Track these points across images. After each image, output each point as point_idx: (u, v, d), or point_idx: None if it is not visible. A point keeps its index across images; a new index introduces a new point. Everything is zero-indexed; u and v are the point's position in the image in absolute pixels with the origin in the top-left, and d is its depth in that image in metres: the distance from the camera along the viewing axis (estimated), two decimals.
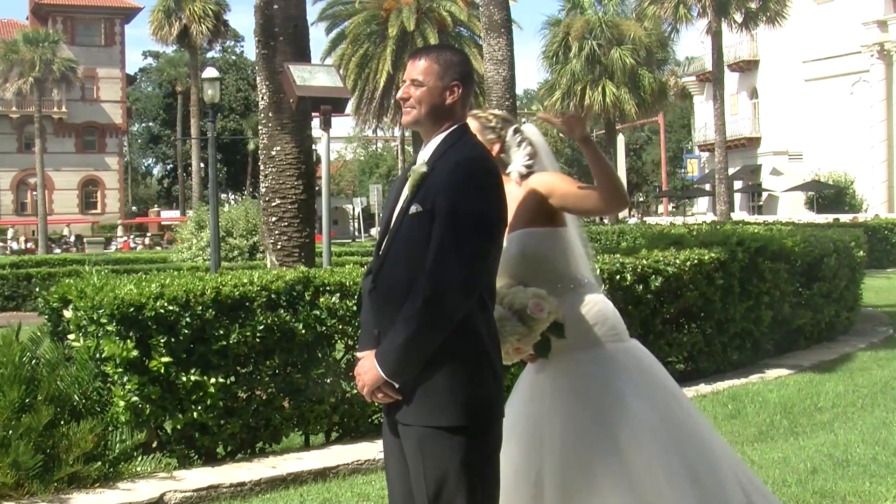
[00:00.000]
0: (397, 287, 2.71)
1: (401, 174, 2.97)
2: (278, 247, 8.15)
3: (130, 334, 5.16)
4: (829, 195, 41.65)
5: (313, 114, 8.58)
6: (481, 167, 2.74)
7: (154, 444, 5.41)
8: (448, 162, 2.73)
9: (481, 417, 2.71)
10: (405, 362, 2.67)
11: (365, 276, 2.91)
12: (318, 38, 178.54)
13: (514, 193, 3.16)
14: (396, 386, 2.70)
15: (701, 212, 49.44)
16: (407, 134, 45.84)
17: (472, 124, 3.16)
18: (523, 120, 3.28)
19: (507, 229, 3.09)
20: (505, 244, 3.08)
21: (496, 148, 3.23)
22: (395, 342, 2.66)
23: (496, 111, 3.41)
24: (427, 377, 2.68)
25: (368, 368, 2.72)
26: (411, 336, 2.63)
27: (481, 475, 2.72)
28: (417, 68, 2.83)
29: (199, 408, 5.34)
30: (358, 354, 2.85)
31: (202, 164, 48.75)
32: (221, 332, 5.41)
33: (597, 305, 3.17)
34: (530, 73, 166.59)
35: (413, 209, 2.72)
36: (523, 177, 3.23)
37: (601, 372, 3.09)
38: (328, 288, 5.87)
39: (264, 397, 5.70)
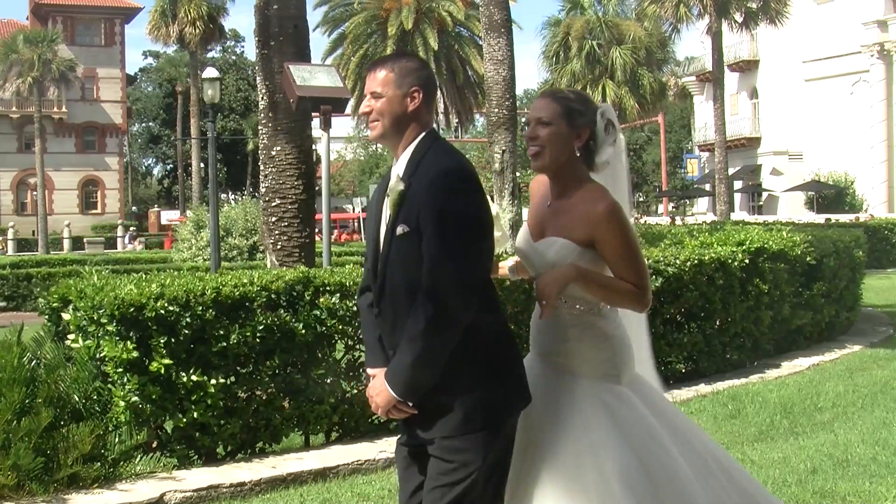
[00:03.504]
0: (403, 307, 2.69)
1: (377, 186, 2.91)
2: (278, 247, 8.15)
3: (131, 335, 5.16)
4: (829, 195, 41.66)
5: (313, 114, 8.57)
6: (458, 176, 2.70)
7: (154, 444, 5.41)
8: (424, 175, 2.69)
9: (496, 418, 2.72)
10: (416, 380, 2.66)
11: (361, 293, 2.91)
12: (319, 39, 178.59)
13: (582, 194, 2.94)
14: (410, 404, 2.70)
15: (701, 212, 49.44)
16: None
17: (552, 107, 2.94)
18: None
19: (550, 231, 2.95)
20: (540, 245, 2.97)
21: (585, 134, 2.96)
22: (404, 362, 2.65)
23: (572, 90, 3.12)
24: (440, 387, 2.67)
25: (380, 390, 2.72)
26: (419, 354, 2.63)
27: (497, 473, 2.75)
28: (376, 80, 2.79)
29: (200, 408, 5.34)
30: (369, 371, 2.83)
31: (202, 164, 48.74)
32: (221, 332, 5.41)
33: (609, 340, 3.00)
34: (530, 73, 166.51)
35: (399, 230, 2.69)
36: (606, 165, 3.00)
37: (582, 403, 2.93)
38: (328, 288, 5.87)
39: (264, 397, 5.70)
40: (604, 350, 2.98)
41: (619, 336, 3.03)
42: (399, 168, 2.78)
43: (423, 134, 2.79)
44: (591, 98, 3.11)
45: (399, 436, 2.90)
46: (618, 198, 2.97)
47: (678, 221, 33.88)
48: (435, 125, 2.92)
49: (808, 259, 9.25)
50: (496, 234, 2.89)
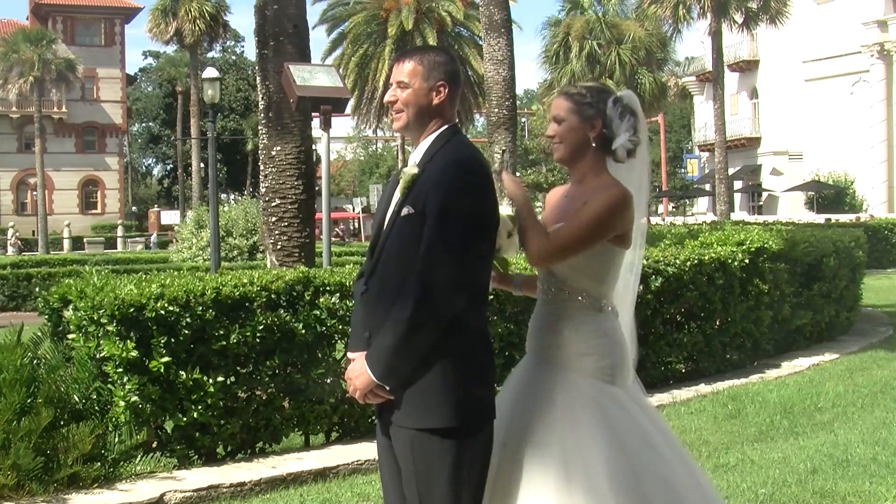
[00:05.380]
0: (389, 289, 2.70)
1: (393, 176, 2.95)
2: (278, 247, 8.15)
3: (131, 335, 5.16)
4: (829, 195, 41.64)
5: (313, 114, 8.57)
6: (472, 168, 2.73)
7: (154, 444, 5.41)
8: (439, 163, 2.72)
9: (473, 418, 2.71)
10: (396, 365, 2.65)
11: (357, 279, 2.90)
12: (319, 38, 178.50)
13: (596, 181, 3.00)
14: (388, 388, 2.70)
15: (701, 212, 49.43)
16: None
17: (563, 104, 3.03)
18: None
19: (559, 216, 3.02)
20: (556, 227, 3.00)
21: (598, 124, 3.00)
22: (385, 345, 2.65)
23: (588, 83, 3.16)
24: (419, 378, 2.67)
25: (359, 372, 2.71)
26: (401, 338, 2.62)
27: (472, 476, 2.71)
28: (402, 71, 2.81)
29: (200, 408, 5.34)
30: (349, 355, 2.83)
31: (202, 164, 48.70)
32: (221, 332, 5.41)
33: (605, 338, 2.98)
34: (530, 73, 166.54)
35: (405, 211, 2.71)
36: (630, 153, 3.04)
37: (574, 398, 2.92)
38: (328, 288, 5.87)
39: (264, 397, 5.70)
40: (600, 347, 2.97)
41: (617, 339, 3.02)
42: (416, 156, 2.82)
43: (445, 127, 2.82)
44: (608, 88, 3.15)
45: (377, 437, 2.90)
46: (633, 192, 3.03)
47: (669, 221, 33.71)
48: None
49: (807, 259, 9.25)
50: (505, 238, 2.94)
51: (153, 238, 50.71)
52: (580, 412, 2.89)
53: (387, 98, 2.85)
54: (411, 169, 2.76)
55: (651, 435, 2.97)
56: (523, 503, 2.86)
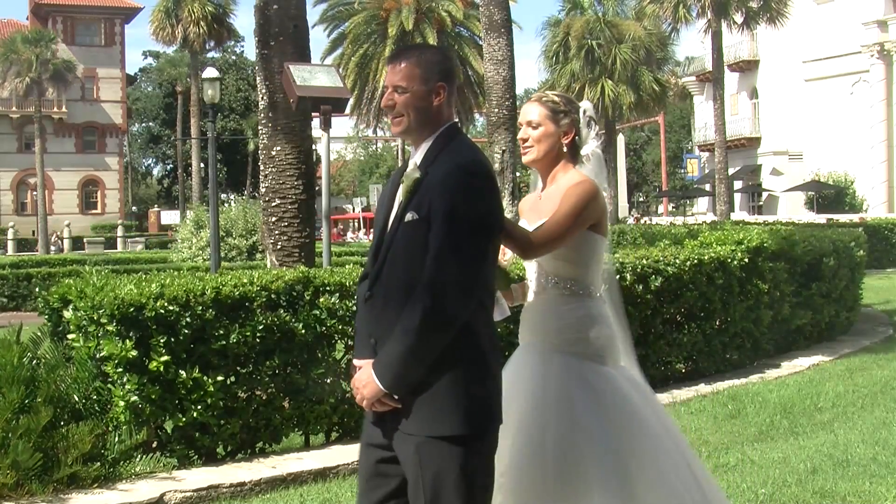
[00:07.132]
0: (395, 295, 2.66)
1: (392, 176, 2.90)
2: (278, 247, 8.15)
3: (130, 334, 5.16)
4: (829, 195, 41.64)
5: (313, 114, 8.57)
6: (476, 170, 2.68)
7: (154, 444, 5.41)
8: (442, 166, 2.67)
9: (480, 423, 2.67)
10: (404, 373, 2.61)
11: (360, 282, 2.85)
12: (319, 38, 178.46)
13: (566, 178, 3.19)
14: (396, 396, 2.66)
15: (701, 212, 49.43)
16: None
17: (539, 110, 3.21)
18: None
19: (538, 214, 3.17)
20: (538, 224, 3.14)
21: (571, 132, 3.24)
22: (394, 353, 2.61)
23: (557, 93, 3.36)
24: (428, 385, 2.63)
25: (367, 381, 2.66)
26: (410, 346, 2.58)
27: (479, 480, 2.69)
28: (399, 73, 2.73)
29: (199, 408, 5.34)
30: (355, 362, 2.78)
31: (202, 164, 48.69)
32: (221, 332, 5.41)
33: (596, 322, 3.15)
34: (530, 73, 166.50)
35: (409, 216, 2.66)
36: (594, 155, 3.29)
37: (566, 379, 3.06)
38: (328, 288, 5.87)
39: (264, 397, 5.70)
40: (591, 331, 3.15)
41: (606, 322, 3.20)
42: (417, 157, 2.76)
43: (445, 127, 2.77)
44: (574, 98, 3.38)
45: (365, 434, 2.82)
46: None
47: (669, 221, 33.78)
48: None
49: (807, 258, 9.25)
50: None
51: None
52: (574, 392, 3.06)
53: (384, 102, 2.78)
54: (413, 172, 2.71)
55: (642, 413, 3.14)
56: (520, 484, 3.00)
